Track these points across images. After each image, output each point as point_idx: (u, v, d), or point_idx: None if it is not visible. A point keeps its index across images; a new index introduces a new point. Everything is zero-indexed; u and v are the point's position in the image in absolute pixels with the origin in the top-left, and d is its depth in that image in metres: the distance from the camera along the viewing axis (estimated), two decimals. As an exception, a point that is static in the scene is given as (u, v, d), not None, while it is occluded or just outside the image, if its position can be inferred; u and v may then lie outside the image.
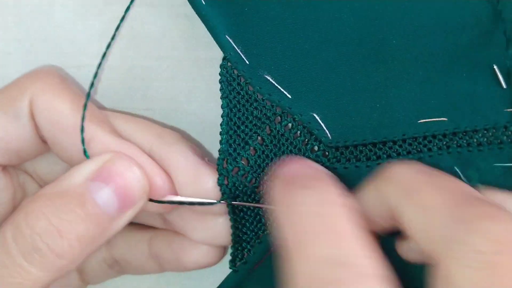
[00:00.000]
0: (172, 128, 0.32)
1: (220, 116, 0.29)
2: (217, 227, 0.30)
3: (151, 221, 0.33)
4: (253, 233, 0.29)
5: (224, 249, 0.33)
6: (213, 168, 0.29)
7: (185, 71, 0.32)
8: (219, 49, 0.28)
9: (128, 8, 0.30)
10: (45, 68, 0.32)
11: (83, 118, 0.28)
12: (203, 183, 0.28)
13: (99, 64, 0.31)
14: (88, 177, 0.26)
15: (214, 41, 0.29)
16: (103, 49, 0.32)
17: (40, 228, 0.25)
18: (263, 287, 0.28)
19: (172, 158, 0.29)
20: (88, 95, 0.29)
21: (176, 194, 0.29)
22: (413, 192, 0.22)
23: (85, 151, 0.28)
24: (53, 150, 0.30)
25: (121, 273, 0.34)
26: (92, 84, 0.30)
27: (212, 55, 0.31)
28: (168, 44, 0.31)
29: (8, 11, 0.32)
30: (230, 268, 0.30)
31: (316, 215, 0.23)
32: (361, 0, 0.26)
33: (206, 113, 0.32)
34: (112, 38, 0.30)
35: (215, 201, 0.29)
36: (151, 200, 0.28)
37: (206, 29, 0.29)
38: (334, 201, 0.23)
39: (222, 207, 0.29)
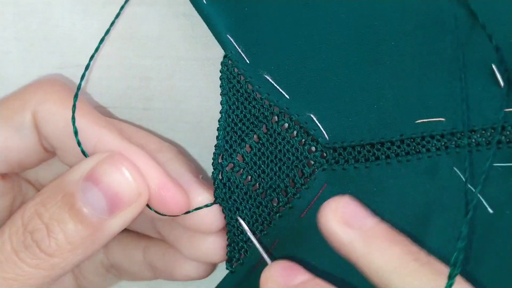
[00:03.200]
0: (172, 143, 0.33)
1: (217, 116, 0.29)
2: (207, 246, 0.30)
3: (145, 230, 0.33)
4: (251, 232, 0.29)
5: (215, 264, 0.33)
6: (205, 186, 0.29)
7: (184, 71, 0.32)
8: (218, 49, 0.28)
9: (122, 8, 0.30)
10: (46, 78, 0.32)
11: (73, 118, 0.28)
12: (192, 198, 0.28)
13: (92, 57, 0.31)
14: (81, 176, 0.26)
15: (213, 41, 0.29)
16: (102, 49, 0.32)
17: (32, 226, 0.25)
18: None
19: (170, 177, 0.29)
20: (78, 88, 0.29)
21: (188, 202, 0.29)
22: None
23: (82, 149, 0.28)
24: (61, 157, 0.30)
25: (117, 278, 0.34)
26: (82, 78, 0.30)
27: (210, 54, 0.31)
28: (167, 43, 0.31)
29: (7, 10, 0.32)
30: (227, 268, 0.30)
31: None
32: (359, 2, 0.27)
33: (204, 112, 0.32)
34: (106, 33, 0.30)
35: (210, 203, 0.29)
36: (148, 206, 0.28)
37: (204, 29, 0.29)
38: None
39: (212, 226, 0.29)
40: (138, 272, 0.33)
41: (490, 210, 0.27)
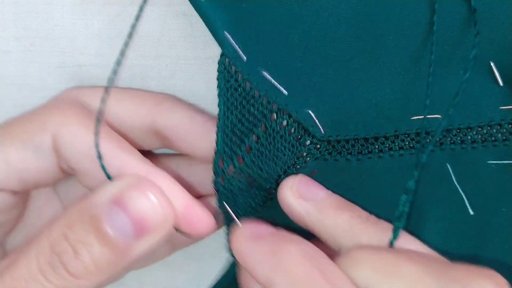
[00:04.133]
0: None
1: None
2: None
3: (150, 143, 0.32)
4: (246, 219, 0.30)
5: None
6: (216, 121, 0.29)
7: (184, 70, 0.32)
8: (217, 48, 0.29)
9: (141, 8, 0.30)
10: (65, 96, 0.32)
11: (96, 142, 0.28)
12: (212, 137, 0.29)
13: (115, 71, 0.29)
14: (108, 199, 0.26)
15: (213, 40, 0.29)
16: (102, 49, 0.32)
17: (59, 247, 0.26)
18: None
19: (178, 124, 0.29)
20: (98, 122, 0.28)
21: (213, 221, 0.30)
22: (389, 269, 0.23)
23: (107, 174, 0.28)
24: (81, 180, 0.30)
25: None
26: (104, 101, 0.29)
27: (210, 53, 0.31)
28: (167, 43, 0.32)
29: (7, 9, 0.32)
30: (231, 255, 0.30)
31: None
32: None
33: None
34: (129, 38, 0.30)
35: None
36: (177, 230, 0.29)
37: (204, 28, 0.29)
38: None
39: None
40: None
41: (471, 212, 0.27)
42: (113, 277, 0.27)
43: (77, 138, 0.28)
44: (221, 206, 0.30)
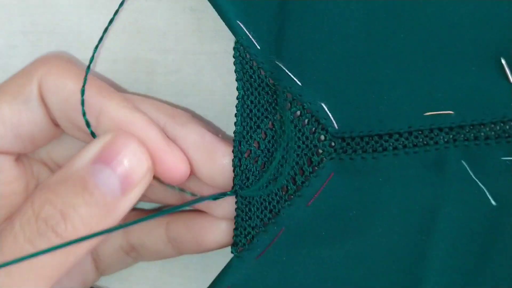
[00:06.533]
0: (183, 109, 0.32)
1: (224, 110, 0.29)
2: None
3: (168, 199, 0.33)
4: (259, 219, 0.29)
5: None
6: (228, 144, 0.29)
7: (191, 65, 0.32)
8: (225, 42, 0.28)
9: (122, 2, 0.30)
10: (52, 52, 0.32)
11: (83, 89, 0.28)
12: (219, 159, 0.29)
13: (99, 42, 0.31)
14: (90, 159, 0.26)
15: (220, 35, 0.29)
16: (108, 43, 0.32)
17: (45, 213, 0.25)
18: (266, 278, 0.28)
19: (187, 137, 0.29)
20: (88, 70, 0.29)
21: (191, 170, 0.29)
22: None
23: (92, 132, 0.28)
24: (66, 130, 0.30)
25: (137, 260, 0.34)
26: (92, 57, 0.30)
27: (217, 48, 0.31)
28: (173, 37, 0.31)
29: (14, 4, 0.32)
30: (232, 252, 0.29)
31: None
32: None
33: (210, 107, 0.32)
34: (110, 23, 0.30)
35: (229, 192, 0.29)
36: (157, 179, 0.28)
37: (211, 23, 0.29)
38: None
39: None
40: (160, 250, 0.32)
41: (493, 203, 0.27)
42: (103, 239, 0.26)
43: (60, 86, 0.28)
44: (238, 201, 0.29)
